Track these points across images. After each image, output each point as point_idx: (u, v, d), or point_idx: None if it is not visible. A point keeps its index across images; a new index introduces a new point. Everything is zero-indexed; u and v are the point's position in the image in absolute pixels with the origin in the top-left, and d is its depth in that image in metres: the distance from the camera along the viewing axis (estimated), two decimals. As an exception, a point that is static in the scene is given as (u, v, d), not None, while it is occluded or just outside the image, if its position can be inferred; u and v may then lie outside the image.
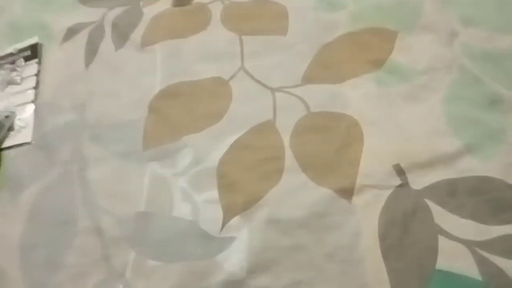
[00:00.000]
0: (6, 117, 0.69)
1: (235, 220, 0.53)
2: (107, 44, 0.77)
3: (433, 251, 0.47)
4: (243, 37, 0.71)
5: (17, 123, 0.69)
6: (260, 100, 0.63)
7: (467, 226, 0.48)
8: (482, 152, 0.52)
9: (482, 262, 0.45)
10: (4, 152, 0.67)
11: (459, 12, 0.64)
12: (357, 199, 0.52)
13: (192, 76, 0.68)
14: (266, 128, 0.60)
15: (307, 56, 0.66)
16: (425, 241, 0.48)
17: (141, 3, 0.83)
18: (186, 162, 0.59)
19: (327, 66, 0.65)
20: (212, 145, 0.60)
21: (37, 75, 0.75)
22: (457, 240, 0.47)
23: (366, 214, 0.50)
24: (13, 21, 0.87)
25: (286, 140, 0.58)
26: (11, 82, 0.75)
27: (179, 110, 0.65)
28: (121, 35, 0.77)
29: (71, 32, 0.81)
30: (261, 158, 0.57)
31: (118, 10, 0.82)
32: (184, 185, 0.57)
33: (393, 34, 0.65)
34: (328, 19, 0.70)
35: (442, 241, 0.47)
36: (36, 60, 0.76)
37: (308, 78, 0.64)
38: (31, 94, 0.72)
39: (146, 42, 0.75)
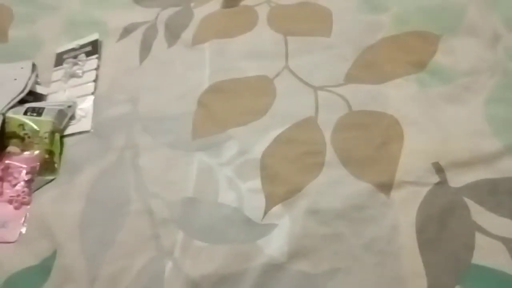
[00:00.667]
0: (69, 107, 0.75)
1: (277, 208, 0.56)
2: (160, 42, 0.82)
3: (470, 246, 0.48)
4: (288, 37, 0.74)
5: (78, 112, 0.75)
6: (302, 98, 0.66)
7: (505, 225, 0.49)
8: (523, 154, 0.53)
9: (519, 259, 0.46)
10: (66, 139, 0.73)
11: (503, 16, 0.65)
12: (396, 194, 0.53)
13: (238, 74, 0.72)
14: (308, 124, 0.63)
15: (350, 57, 0.68)
16: (462, 237, 0.49)
17: (192, 4, 0.88)
18: (232, 153, 0.63)
19: (369, 66, 0.67)
20: (256, 138, 0.63)
21: (96, 69, 0.81)
22: (494, 237, 0.48)
23: (404, 209, 0.52)
24: (71, 19, 0.94)
25: (327, 136, 0.61)
26: (73, 75, 0.81)
27: (225, 104, 0.69)
28: (173, 34, 0.82)
29: (126, 31, 0.87)
30: (302, 152, 0.60)
31: (170, 11, 0.88)
32: (229, 174, 0.61)
33: (436, 37, 0.66)
34: (371, 21, 0.72)
35: (479, 237, 0.48)
36: (96, 55, 0.83)
37: (351, 78, 0.66)
38: (91, 86, 0.79)
39: (196, 41, 0.79)
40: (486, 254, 0.47)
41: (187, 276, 0.53)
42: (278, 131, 0.63)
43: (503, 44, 0.63)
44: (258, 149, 0.62)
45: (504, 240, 0.48)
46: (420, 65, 0.64)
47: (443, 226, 0.50)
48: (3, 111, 0.73)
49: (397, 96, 0.62)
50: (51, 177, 0.68)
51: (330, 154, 0.59)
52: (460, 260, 0.47)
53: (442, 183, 0.53)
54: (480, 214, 0.50)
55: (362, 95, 0.64)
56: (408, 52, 0.66)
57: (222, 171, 0.62)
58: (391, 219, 0.52)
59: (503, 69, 0.60)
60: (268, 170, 0.60)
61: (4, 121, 0.71)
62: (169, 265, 0.55)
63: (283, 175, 0.58)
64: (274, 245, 0.53)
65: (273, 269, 0.52)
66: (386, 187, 0.54)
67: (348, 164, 0.57)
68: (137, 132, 0.70)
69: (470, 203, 0.51)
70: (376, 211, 0.53)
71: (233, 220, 0.57)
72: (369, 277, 0.49)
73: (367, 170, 0.56)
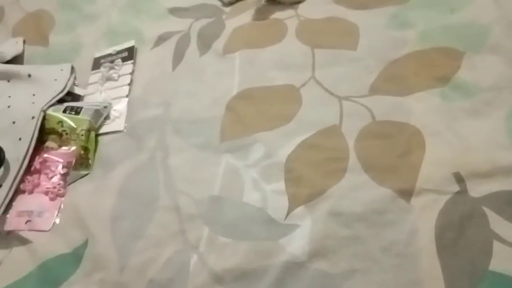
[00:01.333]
0: (104, 107, 0.79)
1: (299, 209, 0.58)
2: (192, 50, 0.87)
3: (487, 254, 0.49)
4: (315, 49, 0.78)
5: (113, 113, 0.80)
6: (327, 107, 0.69)
7: (523, 235, 0.50)
8: (542, 167, 0.54)
9: (535, 268, 0.47)
10: (100, 137, 0.78)
11: (527, 37, 0.67)
12: (416, 201, 0.55)
13: (266, 82, 0.75)
14: (332, 132, 0.65)
15: (375, 70, 0.71)
16: (480, 244, 0.50)
17: (224, 16, 0.92)
18: (258, 156, 0.65)
19: (394, 79, 0.69)
20: (281, 143, 0.66)
21: (131, 74, 0.86)
22: (512, 246, 0.49)
23: (424, 215, 0.54)
24: (111, 26, 0.99)
25: (350, 143, 0.63)
26: (109, 79, 0.86)
27: (253, 110, 0.72)
28: (205, 43, 0.87)
29: (161, 39, 0.91)
30: (326, 157, 0.62)
31: (203, 22, 0.92)
32: (254, 175, 0.63)
33: (460, 53, 0.68)
34: (397, 37, 0.74)
35: (496, 245, 0.50)
36: (131, 61, 0.87)
37: (375, 90, 0.68)
38: (125, 89, 0.83)
39: (227, 50, 0.83)
40: (503, 261, 0.48)
41: (211, 270, 0.56)
42: (303, 137, 0.65)
43: (525, 62, 0.65)
44: (283, 153, 0.64)
45: (521, 249, 0.49)
46: (443, 80, 0.66)
47: (461, 233, 0.51)
48: (44, 108, 0.77)
49: (420, 108, 0.64)
50: (85, 172, 0.72)
51: (353, 160, 0.61)
52: (478, 266, 0.49)
53: (462, 192, 0.54)
54: (498, 223, 0.51)
55: (385, 106, 0.66)
56: (432, 67, 0.68)
57: (248, 172, 0.64)
58: (410, 224, 0.53)
59: (525, 86, 0.62)
60: (292, 173, 0.62)
61: (44, 118, 0.76)
62: (194, 258, 0.57)
63: (307, 178, 0.61)
64: (296, 244, 0.55)
65: (294, 267, 0.54)
66: (406, 193, 0.56)
67: (370, 170, 0.59)
68: (168, 133, 0.74)
69: (489, 212, 0.52)
70: (396, 215, 0.54)
71: (257, 219, 0.59)
72: (387, 278, 0.51)
73: (389, 176, 0.58)
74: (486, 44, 0.68)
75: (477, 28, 0.71)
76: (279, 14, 0.87)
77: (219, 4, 0.95)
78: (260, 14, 0.88)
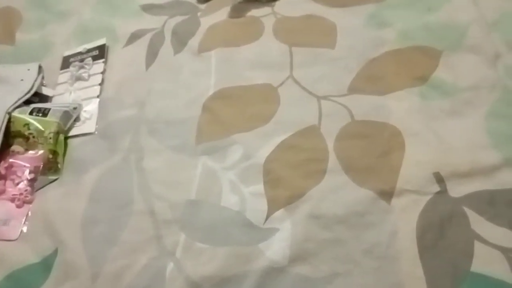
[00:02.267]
0: (74, 108, 0.76)
1: (279, 213, 0.57)
2: (166, 48, 0.84)
3: (469, 254, 0.49)
4: (293, 48, 0.76)
5: (83, 114, 0.76)
6: (306, 106, 0.67)
7: (503, 234, 0.50)
8: (521, 166, 0.54)
9: (516, 268, 0.47)
10: (70, 140, 0.74)
11: (504, 36, 0.67)
12: (396, 202, 0.54)
13: (243, 82, 0.73)
14: (311, 132, 0.64)
15: (354, 69, 0.70)
16: (461, 244, 0.50)
17: (199, 13, 0.90)
18: (235, 157, 0.64)
19: (372, 78, 0.68)
20: (260, 144, 0.64)
21: (103, 73, 0.82)
22: (493, 246, 0.49)
23: (404, 216, 0.53)
24: (83, 24, 0.95)
25: (330, 144, 0.62)
26: (79, 78, 0.82)
27: (230, 111, 0.70)
28: (180, 41, 0.84)
29: (134, 37, 0.88)
30: (305, 158, 0.61)
31: (178, 19, 0.89)
32: (232, 178, 0.62)
33: (438, 52, 0.68)
34: (375, 36, 0.73)
35: (478, 246, 0.49)
36: (102, 59, 0.84)
37: (354, 89, 0.68)
38: (96, 89, 0.80)
39: (203, 49, 0.81)
40: (485, 262, 0.48)
41: (188, 277, 0.54)
42: (282, 137, 0.64)
43: (503, 62, 0.65)
44: (262, 155, 0.63)
45: (502, 249, 0.49)
46: (422, 79, 0.66)
47: (442, 233, 0.51)
48: (9, 110, 0.73)
49: (399, 108, 0.64)
50: (54, 177, 0.69)
51: (332, 161, 0.60)
52: (459, 267, 0.48)
53: (443, 192, 0.54)
54: (479, 224, 0.51)
55: (365, 106, 0.65)
56: (411, 66, 0.68)
57: (225, 175, 0.62)
58: (391, 226, 0.53)
59: (503, 86, 0.62)
60: (271, 175, 0.60)
61: (9, 120, 0.72)
62: (170, 265, 0.55)
63: (286, 180, 0.59)
64: (275, 248, 0.54)
65: (274, 272, 0.52)
66: (387, 194, 0.55)
67: (350, 171, 0.58)
68: (142, 134, 0.71)
69: (470, 212, 0.52)
70: (377, 217, 0.54)
71: (235, 223, 0.57)
72: (368, 281, 0.50)
73: (369, 177, 0.57)
74: (464, 43, 0.68)
75: (454, 27, 0.71)
76: (255, 12, 0.85)
77: (194, 1, 0.93)
78: (236, 12, 0.86)
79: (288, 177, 0.60)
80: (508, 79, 0.63)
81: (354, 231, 0.53)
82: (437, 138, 0.59)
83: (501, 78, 0.63)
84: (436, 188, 0.55)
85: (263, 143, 0.64)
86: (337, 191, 0.57)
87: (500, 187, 0.53)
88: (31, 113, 0.73)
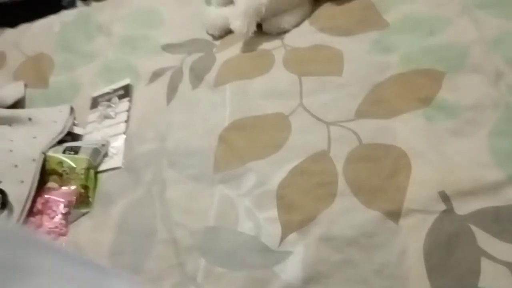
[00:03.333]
0: (102, 145, 0.82)
1: (292, 236, 0.60)
2: (185, 84, 0.90)
3: (476, 271, 0.50)
4: (302, 77, 0.80)
5: (111, 150, 0.83)
6: (316, 133, 0.70)
7: (509, 250, 0.51)
8: (525, 183, 0.55)
9: (523, 284, 0.48)
10: (100, 174, 0.80)
11: (505, 55, 0.68)
12: (404, 222, 0.56)
13: (256, 112, 0.78)
14: (321, 157, 0.67)
15: (360, 94, 0.73)
16: (468, 262, 0.51)
17: (214, 49, 0.95)
18: (250, 184, 0.67)
19: (378, 103, 0.71)
20: (272, 171, 0.67)
21: (128, 111, 0.89)
22: (499, 262, 0.50)
23: (412, 235, 0.55)
24: (107, 64, 1.03)
25: (339, 167, 0.65)
26: (107, 117, 0.89)
27: (244, 140, 0.74)
28: (197, 77, 0.90)
29: (155, 75, 0.95)
30: (316, 182, 0.64)
31: (194, 56, 0.95)
32: (248, 204, 0.65)
33: (441, 74, 0.70)
34: (380, 61, 0.76)
35: (484, 262, 0.51)
36: (128, 98, 0.91)
37: (361, 114, 0.71)
38: (122, 126, 0.86)
39: (218, 83, 0.86)
40: (492, 278, 0.49)
41: (209, 301, 0.57)
42: (293, 164, 0.67)
43: (505, 81, 0.66)
44: (275, 181, 0.66)
45: (508, 265, 0.50)
46: (426, 101, 0.68)
47: (450, 251, 0.53)
48: (44, 150, 0.80)
49: (405, 130, 0.66)
50: (86, 210, 0.75)
51: (342, 184, 0.63)
52: (467, 284, 0.50)
53: (449, 211, 0.56)
54: (485, 240, 0.52)
55: (371, 129, 0.68)
56: (415, 88, 0.71)
57: (241, 201, 0.66)
58: (400, 245, 0.55)
59: (506, 104, 0.64)
60: (284, 200, 0.64)
61: (45, 159, 0.79)
62: (192, 290, 0.59)
63: (298, 204, 0.62)
64: (290, 271, 0.57)
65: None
66: (394, 215, 0.57)
67: (359, 193, 0.61)
68: (164, 167, 0.76)
69: (476, 229, 0.53)
70: (386, 237, 0.56)
71: (251, 247, 0.61)
72: (380, 301, 0.52)
73: (377, 199, 0.59)
74: (466, 64, 0.70)
75: (456, 48, 0.73)
76: (266, 45, 0.90)
77: (209, 38, 0.99)
78: (249, 46, 0.91)
79: (300, 202, 0.63)
80: (510, 97, 0.64)
81: (364, 252, 0.56)
82: (442, 158, 0.61)
83: (503, 96, 0.64)
84: (442, 206, 0.56)
85: (276, 170, 0.67)
86: (346, 213, 0.59)
87: (505, 204, 0.54)
88: (64, 151, 0.80)
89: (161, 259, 0.64)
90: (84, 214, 0.74)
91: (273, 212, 0.63)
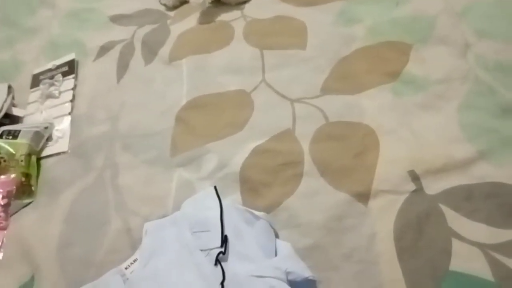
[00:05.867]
0: (45, 128, 0.74)
1: (257, 222, 0.56)
2: (137, 60, 0.82)
3: (447, 253, 0.49)
4: (264, 51, 0.75)
5: (55, 133, 0.75)
6: (280, 110, 0.66)
7: (480, 230, 0.49)
8: (495, 159, 0.54)
9: (494, 264, 0.47)
10: (43, 160, 0.73)
11: (472, 25, 0.66)
12: (373, 203, 0.54)
13: (216, 89, 0.72)
14: (286, 136, 0.63)
15: (325, 69, 0.69)
16: (439, 243, 0.49)
17: (168, 21, 0.88)
18: (211, 167, 0.63)
19: (344, 78, 0.68)
20: (234, 151, 0.63)
21: (73, 89, 0.81)
22: (470, 243, 0.49)
23: (382, 218, 0.53)
24: (51, 39, 0.94)
25: (305, 147, 0.61)
26: (49, 96, 0.81)
27: (203, 120, 0.69)
28: (150, 51, 0.83)
29: (104, 49, 0.87)
30: (281, 163, 0.60)
31: (147, 28, 0.88)
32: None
33: (408, 46, 0.68)
34: (345, 34, 0.73)
35: (455, 243, 0.49)
36: (73, 75, 0.82)
37: (326, 89, 0.67)
38: (68, 107, 0.78)
39: (173, 57, 0.80)
40: (463, 260, 0.48)
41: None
42: (257, 143, 0.63)
43: (473, 52, 0.65)
44: (237, 162, 0.62)
45: (480, 246, 0.48)
46: (393, 75, 0.66)
47: (420, 233, 0.51)
48: (-21, 134, 0.72)
49: (372, 106, 0.63)
50: (28, 200, 0.68)
51: (308, 164, 0.59)
52: (438, 267, 0.48)
53: (418, 190, 0.54)
54: (456, 220, 0.51)
55: (338, 106, 0.64)
56: (382, 62, 0.68)
57: (202, 186, 0.61)
58: (369, 228, 0.52)
59: (474, 76, 0.62)
60: (247, 184, 0.60)
61: (-21, 145, 0.70)
62: (149, 284, 0.54)
63: (263, 188, 0.59)
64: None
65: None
66: (363, 196, 0.54)
67: (326, 174, 0.58)
68: (117, 150, 0.70)
69: (446, 209, 0.52)
70: (355, 220, 0.53)
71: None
72: (350, 286, 0.50)
73: (345, 180, 0.56)
74: (434, 35, 0.68)
75: (423, 20, 0.70)
76: (225, 16, 0.84)
77: (163, 8, 0.92)
78: (206, 17, 0.85)
79: (265, 185, 0.59)
80: (478, 69, 0.62)
81: (333, 236, 0.53)
82: (411, 135, 0.59)
83: (472, 68, 0.63)
84: (411, 186, 0.54)
85: (238, 150, 0.63)
86: (314, 196, 0.56)
87: (476, 181, 0.53)
88: (0, 136, 0.72)
89: (114, 251, 0.58)
90: (26, 204, 0.67)
91: (237, 197, 0.59)
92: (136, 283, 0.50)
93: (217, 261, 0.49)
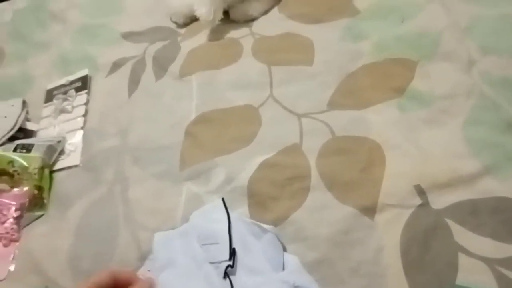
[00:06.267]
0: (58, 142, 0.76)
1: (264, 236, 0.56)
2: (148, 75, 0.84)
3: (453, 267, 0.49)
4: (272, 67, 0.77)
5: (67, 147, 0.77)
6: (287, 125, 0.67)
7: (486, 245, 0.50)
8: (500, 174, 0.54)
9: (501, 279, 0.47)
10: (55, 174, 0.74)
11: (477, 42, 0.67)
12: (380, 217, 0.54)
13: (224, 104, 0.74)
14: (293, 151, 0.64)
15: (332, 84, 0.70)
16: (445, 257, 0.50)
17: (179, 38, 0.90)
18: (219, 181, 0.63)
19: (351, 93, 0.69)
20: (242, 166, 0.64)
21: (86, 104, 0.83)
22: (477, 257, 0.49)
23: (388, 231, 0.53)
24: (62, 55, 0.96)
25: (312, 161, 0.62)
26: (63, 111, 0.83)
27: (212, 134, 0.70)
28: (161, 67, 0.85)
29: (116, 65, 0.89)
30: (288, 177, 0.61)
31: (158, 45, 0.90)
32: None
33: (413, 63, 0.69)
34: (352, 50, 0.74)
35: (462, 258, 0.49)
36: (85, 90, 0.84)
37: (333, 105, 0.68)
38: (80, 121, 0.80)
39: (183, 73, 0.81)
40: (470, 274, 0.48)
41: (176, 307, 0.53)
42: (264, 157, 0.64)
43: (477, 68, 0.65)
44: (245, 176, 0.62)
45: (486, 260, 0.48)
46: (399, 91, 0.66)
47: (426, 247, 0.51)
48: (-7, 148, 0.74)
49: (379, 121, 0.64)
50: (40, 213, 0.69)
51: (315, 179, 0.60)
52: (445, 281, 0.48)
53: (424, 205, 0.54)
54: (462, 235, 0.51)
55: (344, 121, 0.65)
56: (388, 78, 0.68)
57: (210, 199, 0.62)
58: (376, 242, 0.53)
59: (479, 92, 0.62)
60: (255, 198, 0.60)
61: (-6, 158, 0.72)
62: (158, 296, 0.55)
63: (270, 202, 0.59)
64: (263, 272, 0.54)
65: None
66: (370, 210, 0.55)
67: (333, 188, 0.58)
68: (126, 164, 0.71)
69: (452, 224, 0.52)
70: (361, 234, 0.54)
71: (222, 249, 0.57)
72: (357, 301, 0.50)
73: (351, 193, 0.57)
74: (439, 52, 0.69)
75: (428, 36, 0.71)
76: (234, 33, 0.86)
77: (173, 26, 0.94)
78: (215, 34, 0.87)
79: (272, 199, 0.59)
80: (483, 85, 0.63)
81: (340, 250, 0.53)
82: (417, 149, 0.59)
83: (477, 84, 0.63)
84: (417, 201, 0.54)
85: (245, 164, 0.64)
86: (321, 210, 0.57)
87: (482, 196, 0.53)
88: (15, 150, 0.73)
89: (124, 263, 0.59)
90: (38, 217, 0.68)
91: (244, 210, 0.60)
92: None
93: (226, 274, 0.50)
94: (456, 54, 0.67)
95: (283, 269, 0.52)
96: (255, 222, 0.56)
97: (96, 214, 0.66)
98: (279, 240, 0.55)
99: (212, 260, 0.52)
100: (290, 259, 0.53)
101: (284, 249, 0.55)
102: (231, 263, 0.50)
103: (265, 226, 0.55)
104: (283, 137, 0.66)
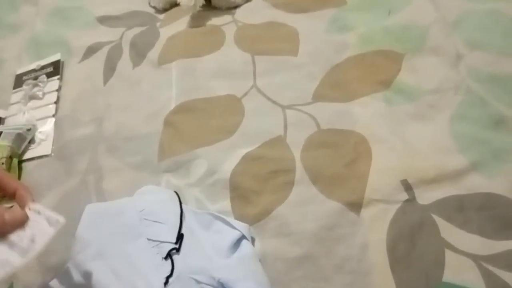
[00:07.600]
0: (28, 130, 0.71)
1: (247, 231, 0.54)
2: (124, 62, 0.80)
3: (440, 264, 0.48)
4: (255, 56, 0.74)
5: (38, 136, 0.72)
6: (271, 117, 0.65)
7: (473, 241, 0.49)
8: (487, 170, 0.54)
9: (487, 276, 0.46)
10: (25, 163, 0.70)
11: (464, 36, 0.67)
12: (365, 213, 0.53)
13: (206, 93, 0.71)
14: (277, 143, 0.62)
15: (318, 76, 0.69)
16: (432, 254, 0.49)
17: (157, 24, 0.87)
18: (200, 173, 0.61)
19: (336, 85, 0.67)
20: (224, 157, 0.61)
21: (58, 90, 0.78)
22: (464, 254, 0.48)
23: (374, 227, 0.52)
24: (35, 37, 0.91)
25: (296, 154, 0.60)
26: (33, 97, 0.78)
27: (193, 124, 0.67)
28: (139, 54, 0.81)
29: (90, 50, 0.84)
30: (272, 170, 0.59)
31: (136, 30, 0.86)
32: (198, 195, 0.59)
33: (400, 55, 0.68)
34: (338, 41, 0.72)
35: (448, 254, 0.49)
36: (57, 76, 0.80)
37: (318, 97, 0.66)
38: (52, 108, 0.75)
39: (163, 61, 0.78)
40: (456, 271, 0.47)
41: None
42: (247, 149, 0.62)
43: (465, 63, 0.65)
44: (227, 168, 0.60)
45: (473, 257, 0.48)
46: (385, 83, 0.65)
47: (413, 243, 0.50)
48: (-43, 135, 0.69)
49: (365, 114, 0.63)
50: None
51: (300, 172, 0.58)
52: (431, 278, 0.47)
53: (411, 200, 0.53)
54: (448, 231, 0.50)
55: (330, 113, 0.64)
56: (374, 70, 0.67)
57: (190, 192, 0.60)
58: (361, 238, 0.51)
59: (466, 87, 0.62)
60: (238, 191, 0.58)
61: (-43, 147, 0.67)
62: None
63: (253, 196, 0.57)
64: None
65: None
66: (355, 205, 0.54)
67: (318, 182, 0.57)
68: (101, 153, 0.68)
69: (439, 220, 0.51)
70: (347, 230, 0.52)
71: (202, 243, 0.55)
72: (341, 298, 0.49)
73: (337, 188, 0.55)
74: (426, 45, 0.68)
75: (415, 29, 0.70)
76: (216, 20, 0.83)
77: (152, 11, 0.90)
78: (196, 21, 0.84)
79: (255, 193, 0.57)
80: (470, 80, 0.63)
81: (325, 246, 0.52)
82: (403, 144, 0.58)
83: (464, 79, 0.63)
84: (404, 196, 0.54)
85: (228, 156, 0.62)
86: (305, 205, 0.55)
87: (468, 192, 0.52)
88: (-20, 137, 0.69)
89: (98, 259, 0.56)
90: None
91: (226, 204, 0.57)
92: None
93: (169, 256, 0.50)
94: (443, 49, 0.67)
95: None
96: (212, 212, 0.55)
97: (68, 206, 0.62)
98: (246, 237, 0.52)
99: (151, 237, 0.52)
100: (244, 252, 0.51)
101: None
102: (176, 246, 0.51)
103: (236, 223, 0.53)
104: (267, 129, 0.64)
